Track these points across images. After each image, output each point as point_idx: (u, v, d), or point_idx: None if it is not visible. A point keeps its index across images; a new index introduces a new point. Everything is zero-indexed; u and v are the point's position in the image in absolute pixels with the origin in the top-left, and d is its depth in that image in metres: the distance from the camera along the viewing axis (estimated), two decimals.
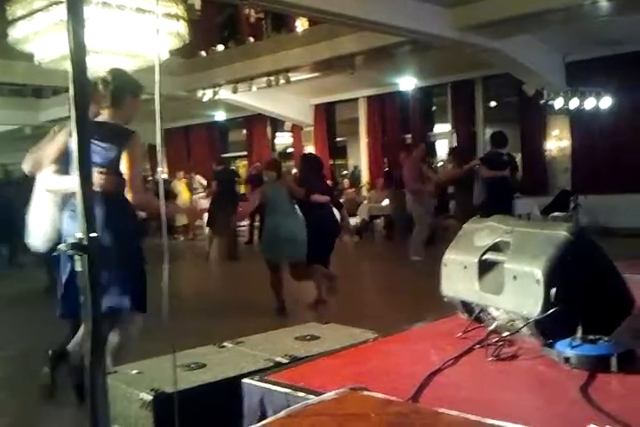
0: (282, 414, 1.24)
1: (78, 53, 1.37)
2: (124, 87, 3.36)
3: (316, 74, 13.06)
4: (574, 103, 11.08)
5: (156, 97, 1.61)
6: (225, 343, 2.38)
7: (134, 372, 2.09)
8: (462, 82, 13.65)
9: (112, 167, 3.17)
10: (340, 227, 6.89)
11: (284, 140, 17.91)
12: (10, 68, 10.65)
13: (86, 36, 1.40)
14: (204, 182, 14.48)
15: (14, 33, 7.26)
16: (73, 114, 1.34)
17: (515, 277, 1.71)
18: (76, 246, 1.28)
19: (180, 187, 14.59)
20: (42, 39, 7.12)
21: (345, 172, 17.45)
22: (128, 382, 1.99)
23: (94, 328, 1.25)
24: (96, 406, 1.25)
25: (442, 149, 14.88)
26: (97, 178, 3.03)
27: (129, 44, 6.93)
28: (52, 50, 7.20)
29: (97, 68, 5.39)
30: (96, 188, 3.17)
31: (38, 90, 16.71)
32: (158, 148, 1.67)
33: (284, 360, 2.05)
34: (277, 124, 17.42)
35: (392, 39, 10.44)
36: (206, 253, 10.90)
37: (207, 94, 13.82)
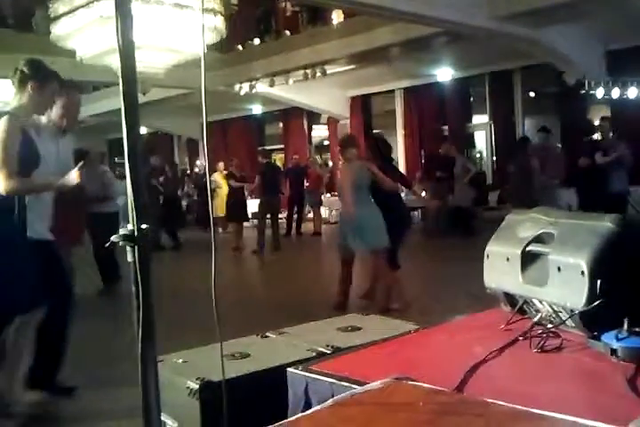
0: (329, 402, 1.26)
1: (127, 49, 1.40)
2: (26, 75, 3.30)
3: (352, 66, 13.02)
4: (616, 93, 10.85)
5: (202, 93, 1.64)
6: (268, 333, 2.42)
7: (180, 361, 2.14)
8: (500, 72, 13.46)
9: None
10: (410, 217, 6.39)
11: (320, 132, 17.92)
12: (52, 65, 10.84)
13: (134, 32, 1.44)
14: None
15: (56, 30, 7.39)
16: (122, 107, 1.38)
17: (559, 269, 1.70)
18: (127, 238, 1.31)
19: (220, 179, 14.68)
20: (83, 35, 7.24)
21: None
22: (174, 371, 2.04)
23: (145, 317, 1.28)
24: (148, 394, 1.28)
25: (480, 140, 14.73)
26: None
27: (169, 39, 7.00)
28: (93, 46, 7.31)
29: (138, 63, 5.45)
30: None
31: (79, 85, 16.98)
32: (203, 142, 1.70)
33: (327, 351, 2.07)
34: (314, 117, 17.43)
35: (428, 30, 10.33)
36: (258, 245, 10.94)
37: (244, 88, 13.90)
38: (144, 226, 1.31)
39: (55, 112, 3.62)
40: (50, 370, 3.53)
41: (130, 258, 1.31)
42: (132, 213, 1.32)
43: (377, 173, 5.47)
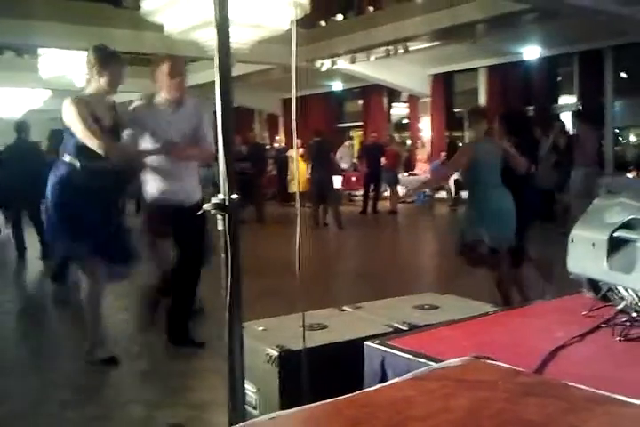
0: (408, 375, 1.28)
1: (222, 24, 1.43)
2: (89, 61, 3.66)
3: (435, 43, 12.77)
4: None
5: (292, 69, 1.66)
6: (345, 307, 2.45)
7: (261, 328, 2.20)
8: (591, 51, 12.90)
9: None
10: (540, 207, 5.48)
11: (399, 110, 17.73)
12: (140, 39, 11.15)
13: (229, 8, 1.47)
14: None
15: (145, 4, 7.55)
16: (217, 81, 1.41)
17: None
18: (218, 207, 1.36)
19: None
20: (172, 10, 7.37)
21: (461, 144, 17.07)
22: (255, 338, 2.11)
23: (233, 284, 1.33)
24: (233, 357, 1.34)
25: (566, 121, 14.21)
26: None
27: (254, 14, 7.04)
28: (181, 21, 7.43)
29: None
30: None
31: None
32: (293, 118, 1.72)
33: (404, 327, 2.09)
34: (394, 94, 17.26)
35: (516, 6, 10.00)
36: (315, 222, 10.99)
37: (325, 64, 13.88)
38: (234, 196, 1.36)
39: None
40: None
41: (220, 226, 1.36)
42: (223, 183, 1.36)
43: (509, 150, 4.60)
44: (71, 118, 3.53)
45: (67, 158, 3.62)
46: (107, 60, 3.63)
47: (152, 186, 3.91)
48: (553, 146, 9.00)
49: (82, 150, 3.55)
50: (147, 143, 3.85)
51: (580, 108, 13.14)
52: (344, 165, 14.60)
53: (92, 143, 3.51)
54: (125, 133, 3.81)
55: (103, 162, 3.59)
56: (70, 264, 5.29)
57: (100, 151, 3.53)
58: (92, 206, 3.61)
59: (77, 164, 3.58)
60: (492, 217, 4.52)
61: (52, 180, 3.66)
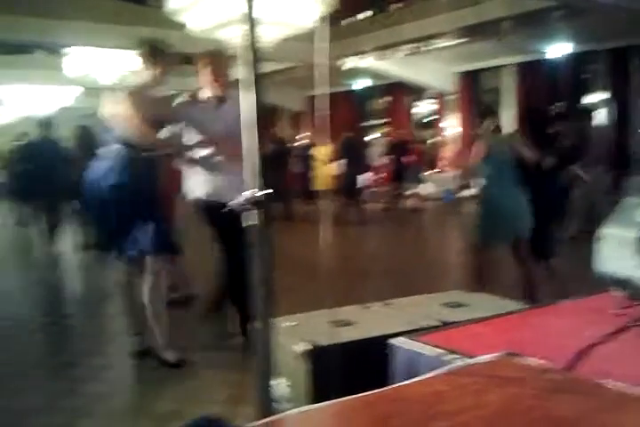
0: (439, 371, 1.28)
1: (251, 22, 1.45)
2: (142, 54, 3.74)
3: (460, 40, 12.68)
4: None
5: (319, 67, 1.67)
6: (372, 304, 2.46)
7: (288, 324, 2.22)
8: (618, 49, 12.73)
9: None
10: (567, 205, 5.42)
11: (424, 108, 17.64)
12: (165, 38, 11.22)
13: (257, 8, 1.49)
14: None
15: (170, 3, 7.63)
16: (245, 79, 1.43)
17: None
18: (250, 202, 1.38)
19: (320, 152, 14.76)
20: (197, 8, 7.45)
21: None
22: (283, 334, 2.12)
23: (264, 279, 1.35)
24: (263, 351, 1.35)
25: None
26: None
27: (278, 12, 7.07)
28: (206, 19, 7.50)
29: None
30: None
31: (188, 58, 17.53)
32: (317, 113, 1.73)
33: (432, 324, 2.09)
34: (418, 92, 17.17)
35: (543, 3, 9.90)
36: (342, 218, 10.99)
37: (350, 62, 13.86)
38: (268, 191, 1.37)
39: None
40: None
41: (252, 221, 1.37)
42: (258, 179, 1.38)
43: (516, 145, 4.60)
44: (116, 110, 3.50)
45: (108, 151, 3.57)
46: (160, 53, 3.70)
47: (198, 182, 3.86)
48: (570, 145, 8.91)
49: (125, 142, 3.52)
50: (192, 138, 3.83)
51: (594, 106, 13.02)
52: (384, 160, 14.49)
53: (136, 134, 3.48)
54: (169, 128, 3.80)
55: (147, 154, 3.56)
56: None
57: (143, 143, 3.50)
58: (135, 201, 3.55)
59: (121, 156, 3.53)
60: (504, 216, 4.53)
61: (94, 174, 3.59)
